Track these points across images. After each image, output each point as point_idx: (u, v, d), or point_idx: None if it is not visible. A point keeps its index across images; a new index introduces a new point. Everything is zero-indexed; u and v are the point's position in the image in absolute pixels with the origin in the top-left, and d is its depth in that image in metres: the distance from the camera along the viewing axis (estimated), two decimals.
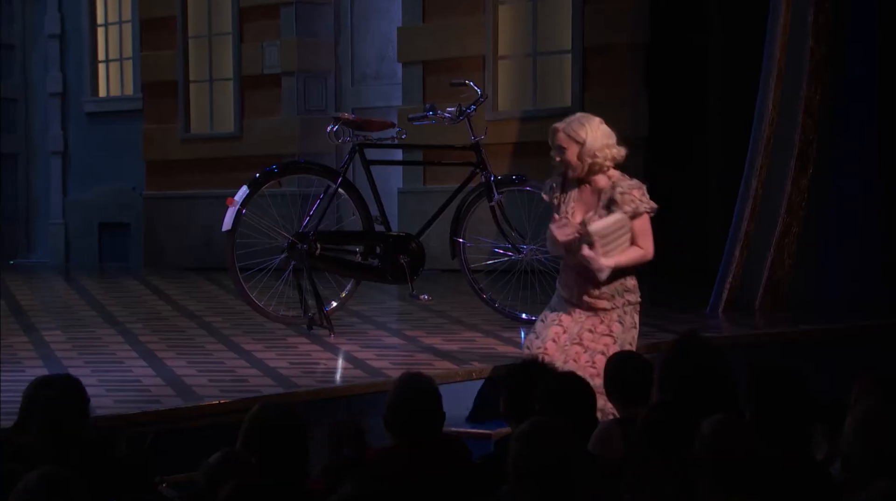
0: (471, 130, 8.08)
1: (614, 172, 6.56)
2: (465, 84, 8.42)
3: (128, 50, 13.64)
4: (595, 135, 6.49)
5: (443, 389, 5.07)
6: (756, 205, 8.63)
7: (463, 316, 8.60)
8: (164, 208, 12.85)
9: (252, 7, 12.24)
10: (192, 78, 12.77)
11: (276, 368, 6.97)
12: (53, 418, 4.60)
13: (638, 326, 6.59)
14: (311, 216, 8.08)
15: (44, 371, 6.79)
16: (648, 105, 10.45)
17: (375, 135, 8.32)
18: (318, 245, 8.00)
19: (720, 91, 10.19)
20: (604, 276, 6.39)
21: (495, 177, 8.11)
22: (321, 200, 8.13)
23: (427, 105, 8.35)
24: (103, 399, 6.11)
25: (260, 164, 9.24)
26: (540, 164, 10.18)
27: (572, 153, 6.50)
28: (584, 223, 6.42)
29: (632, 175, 6.60)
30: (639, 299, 6.60)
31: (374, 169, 8.25)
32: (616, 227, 6.41)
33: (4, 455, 4.40)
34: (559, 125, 6.57)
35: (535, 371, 5.26)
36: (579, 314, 6.50)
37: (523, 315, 8.03)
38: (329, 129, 8.22)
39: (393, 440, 4.88)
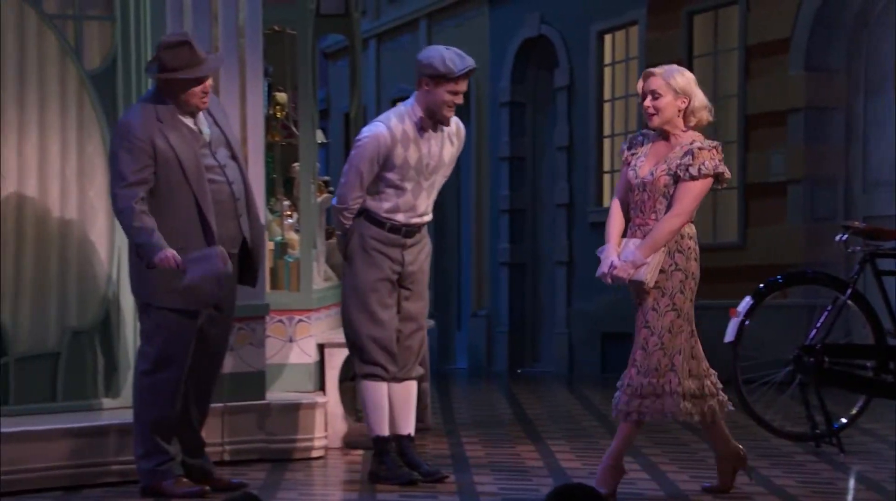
0: None
1: (697, 133, 6.37)
2: None
3: None
4: (699, 94, 6.31)
5: None
6: None
7: None
8: None
9: (759, 114, 12.10)
10: None
11: (782, 486, 6.74)
12: None
13: (693, 271, 6.64)
14: (818, 329, 7.84)
15: (549, 480, 6.88)
16: None
17: (888, 244, 8.02)
18: (826, 359, 7.76)
19: None
20: (649, 279, 6.34)
21: None
22: (829, 311, 7.88)
23: None
24: None
25: (763, 274, 9.06)
26: None
27: (668, 102, 6.26)
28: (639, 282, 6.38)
29: None
30: (693, 250, 6.58)
31: (887, 280, 7.94)
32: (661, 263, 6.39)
33: None
34: (656, 70, 6.33)
35: None
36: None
37: None
38: (838, 238, 7.99)
39: None
